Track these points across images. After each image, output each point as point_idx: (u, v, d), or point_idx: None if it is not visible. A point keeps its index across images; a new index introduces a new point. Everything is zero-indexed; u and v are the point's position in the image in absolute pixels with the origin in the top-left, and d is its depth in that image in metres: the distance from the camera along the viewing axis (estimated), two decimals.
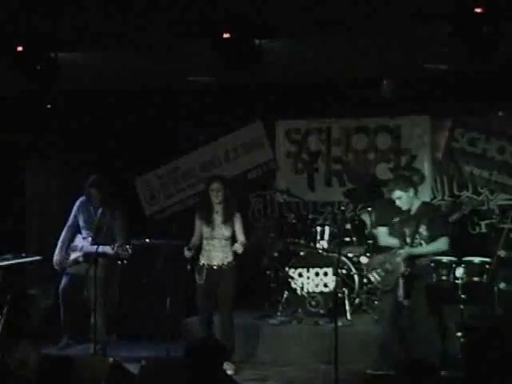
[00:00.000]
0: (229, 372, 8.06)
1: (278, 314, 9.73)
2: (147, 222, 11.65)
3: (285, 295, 9.86)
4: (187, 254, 8.37)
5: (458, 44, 8.30)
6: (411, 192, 8.00)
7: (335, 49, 9.32)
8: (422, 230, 7.90)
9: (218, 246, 8.37)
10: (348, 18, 8.37)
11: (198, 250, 8.58)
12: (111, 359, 6.42)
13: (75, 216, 9.42)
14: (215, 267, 8.40)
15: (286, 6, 8.17)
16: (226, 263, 8.42)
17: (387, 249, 8.14)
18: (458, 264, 8.22)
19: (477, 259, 8.29)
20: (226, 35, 8.57)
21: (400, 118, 11.03)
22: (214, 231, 8.37)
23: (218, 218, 8.41)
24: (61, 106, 10.98)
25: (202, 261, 8.45)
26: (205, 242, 8.43)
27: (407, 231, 7.97)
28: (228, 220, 8.38)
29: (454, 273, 8.21)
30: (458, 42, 8.14)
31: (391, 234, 8.11)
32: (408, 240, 7.94)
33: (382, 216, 8.53)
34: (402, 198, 7.94)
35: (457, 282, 8.15)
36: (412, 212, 7.99)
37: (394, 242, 8.06)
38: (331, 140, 11.46)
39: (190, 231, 8.63)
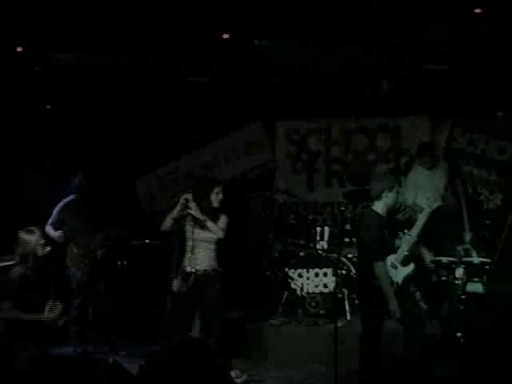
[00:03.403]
0: (238, 380, 8.02)
1: (278, 314, 9.72)
2: (147, 223, 11.63)
3: (285, 296, 9.84)
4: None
5: (457, 44, 8.32)
6: None
7: (335, 49, 9.33)
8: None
9: (206, 249, 8.03)
10: (348, 18, 8.38)
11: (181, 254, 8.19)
12: (111, 359, 6.41)
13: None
14: (201, 272, 8.02)
15: (286, 7, 8.17)
16: (212, 269, 8.06)
17: None
18: (458, 264, 8.21)
19: (476, 259, 8.29)
20: (225, 35, 8.58)
21: (400, 118, 11.04)
22: (205, 233, 8.03)
23: (209, 220, 8.09)
24: (60, 107, 10.98)
25: (187, 265, 8.02)
26: (192, 244, 8.02)
27: None
28: (217, 222, 8.14)
29: (453, 273, 8.20)
30: (458, 41, 8.17)
31: None
32: None
33: None
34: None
35: (456, 282, 8.14)
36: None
37: None
38: (331, 140, 11.47)
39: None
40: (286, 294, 9.85)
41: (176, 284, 8.07)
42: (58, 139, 11.21)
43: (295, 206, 11.35)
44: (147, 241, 9.93)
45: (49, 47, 8.89)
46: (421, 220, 7.42)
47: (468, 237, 8.43)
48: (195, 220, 7.97)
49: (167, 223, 7.98)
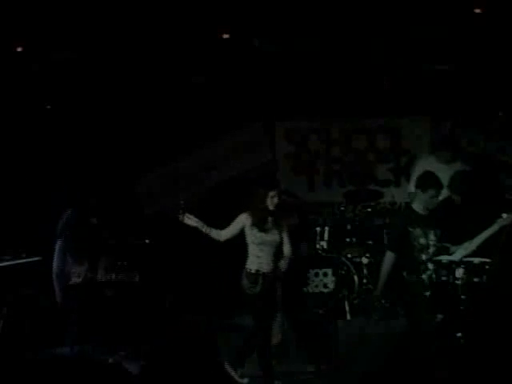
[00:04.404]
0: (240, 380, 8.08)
1: (278, 314, 9.71)
2: (147, 222, 11.63)
3: None
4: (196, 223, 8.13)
5: (457, 44, 8.32)
6: None
7: (335, 49, 9.33)
8: None
9: (270, 252, 8.13)
10: (348, 18, 8.39)
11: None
12: (111, 359, 6.42)
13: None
14: (268, 273, 8.12)
15: (286, 7, 8.18)
16: (274, 270, 8.17)
17: None
18: (458, 264, 8.21)
19: (476, 259, 8.28)
20: (225, 35, 8.58)
21: (400, 118, 11.03)
22: (267, 236, 8.14)
23: (270, 224, 8.18)
24: (60, 107, 10.98)
25: (252, 268, 8.12)
26: (256, 247, 8.11)
27: None
28: (279, 225, 8.30)
29: (453, 273, 8.20)
30: (458, 41, 8.16)
31: None
32: None
33: None
34: None
35: (457, 282, 8.14)
36: None
37: None
38: (331, 140, 11.47)
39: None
40: None
41: (244, 286, 8.12)
42: (58, 139, 11.22)
43: (295, 206, 11.33)
44: (147, 241, 9.92)
45: (49, 47, 8.88)
46: (487, 232, 7.60)
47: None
48: (258, 224, 8.06)
49: (215, 237, 8.09)
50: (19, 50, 8.92)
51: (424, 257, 7.73)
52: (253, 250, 8.12)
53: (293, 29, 8.83)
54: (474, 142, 10.71)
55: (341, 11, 8.32)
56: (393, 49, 9.25)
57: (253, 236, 8.12)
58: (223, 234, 8.11)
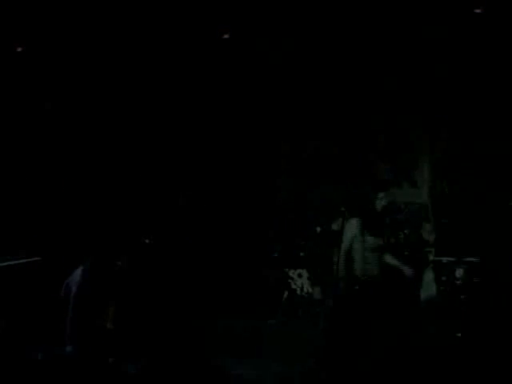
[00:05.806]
0: None
1: (278, 314, 9.73)
2: (147, 222, 11.63)
3: (285, 295, 9.86)
4: None
5: (457, 44, 8.33)
6: None
7: (335, 49, 9.34)
8: None
9: (376, 258, 7.94)
10: (348, 19, 8.40)
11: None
12: (111, 359, 6.43)
13: None
14: (375, 280, 7.94)
15: (286, 8, 8.19)
16: (378, 276, 8.02)
17: None
18: (458, 264, 8.23)
19: (477, 260, 8.30)
20: (225, 35, 8.60)
21: (400, 118, 11.04)
22: (378, 240, 7.94)
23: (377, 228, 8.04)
24: (60, 107, 11.00)
25: (360, 274, 7.91)
26: (367, 253, 7.91)
27: None
28: (386, 229, 8.12)
29: (453, 273, 8.22)
30: (458, 42, 8.17)
31: None
32: None
33: None
34: None
35: (457, 282, 8.16)
36: None
37: None
38: (331, 140, 11.47)
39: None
40: (286, 293, 9.86)
41: (345, 290, 7.97)
42: (58, 139, 11.23)
43: (295, 206, 11.34)
44: (147, 241, 9.93)
45: (49, 47, 8.90)
46: None
47: (432, 238, 8.58)
48: (369, 228, 7.90)
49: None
50: (19, 49, 8.93)
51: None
52: (361, 255, 7.88)
53: (293, 29, 8.84)
54: (473, 142, 10.72)
55: (343, 13, 8.33)
56: (393, 49, 9.25)
57: (364, 241, 7.90)
58: (343, 248, 7.76)
